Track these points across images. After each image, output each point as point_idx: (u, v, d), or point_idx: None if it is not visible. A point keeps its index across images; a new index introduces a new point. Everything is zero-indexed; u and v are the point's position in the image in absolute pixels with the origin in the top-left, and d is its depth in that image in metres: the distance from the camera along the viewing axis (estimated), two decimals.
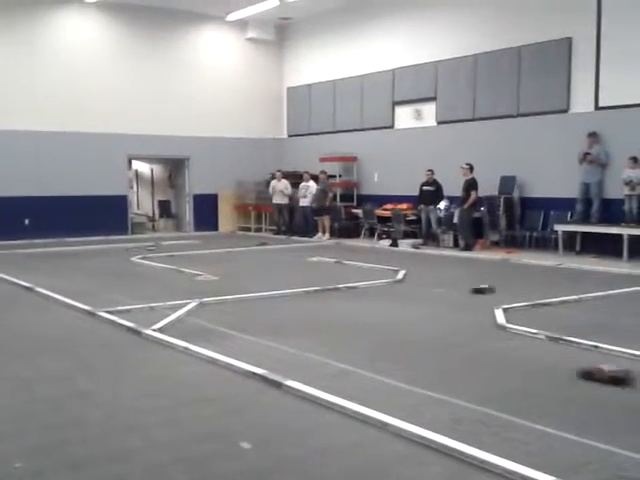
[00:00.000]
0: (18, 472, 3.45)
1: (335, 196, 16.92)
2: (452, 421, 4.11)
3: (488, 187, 13.58)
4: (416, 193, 14.71)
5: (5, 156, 15.50)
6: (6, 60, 15.58)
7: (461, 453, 3.58)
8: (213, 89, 18.38)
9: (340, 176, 17.32)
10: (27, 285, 9.05)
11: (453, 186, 13.90)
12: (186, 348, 5.75)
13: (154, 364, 5.49)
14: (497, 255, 12.67)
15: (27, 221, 15.83)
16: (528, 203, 13.66)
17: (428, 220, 14.48)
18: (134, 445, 3.79)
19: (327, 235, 16.21)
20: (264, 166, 18.70)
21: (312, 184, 16.62)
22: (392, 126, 16.60)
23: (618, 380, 4.81)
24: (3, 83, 15.52)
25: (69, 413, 4.33)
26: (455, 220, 13.88)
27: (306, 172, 16.91)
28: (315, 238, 16.14)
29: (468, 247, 13.44)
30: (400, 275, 10.01)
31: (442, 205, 14.39)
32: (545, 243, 13.17)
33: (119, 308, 7.38)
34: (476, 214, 13.75)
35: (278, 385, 4.74)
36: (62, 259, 12.60)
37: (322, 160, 17.30)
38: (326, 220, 16.34)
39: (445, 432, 3.81)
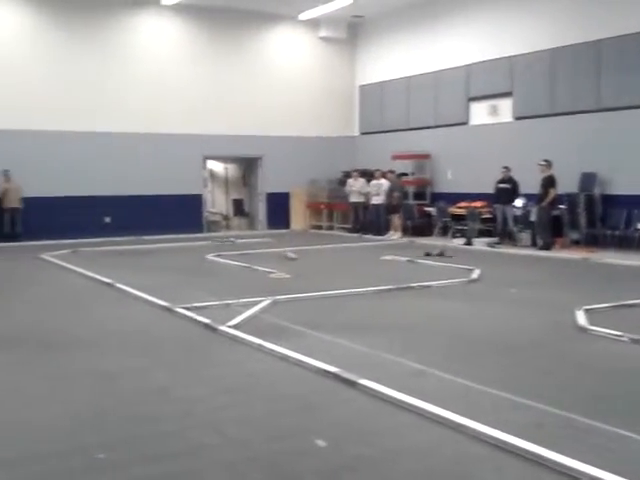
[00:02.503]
0: (100, 463, 3.55)
1: (406, 194, 16.76)
2: (532, 424, 3.98)
3: (567, 184, 13.16)
4: (491, 191, 14.40)
5: (87, 157, 16.05)
6: (85, 63, 16.11)
7: (542, 458, 3.46)
8: (285, 89, 18.51)
9: (413, 174, 17.14)
10: (108, 281, 9.33)
11: (530, 183, 13.53)
12: (260, 345, 5.79)
13: (229, 360, 5.55)
14: (577, 254, 12.26)
15: (108, 219, 16.35)
16: (610, 200, 13.15)
17: (504, 218, 14.15)
18: (209, 441, 3.84)
19: (399, 234, 16.08)
20: (336, 164, 18.71)
21: (384, 182, 16.52)
22: (467, 122, 16.32)
23: None
24: (84, 86, 16.06)
25: (147, 408, 4.43)
26: (533, 218, 13.51)
27: (378, 170, 16.82)
28: (387, 236, 16.03)
29: (547, 246, 13.06)
30: (475, 274, 9.82)
31: (519, 203, 14.03)
32: (628, 242, 12.65)
33: (195, 305, 7.50)
34: (555, 212, 13.35)
35: (352, 384, 4.70)
36: (140, 256, 12.94)
37: (394, 158, 17.17)
38: (397, 218, 16.21)
39: (525, 435, 3.69)
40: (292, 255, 11.74)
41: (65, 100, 15.80)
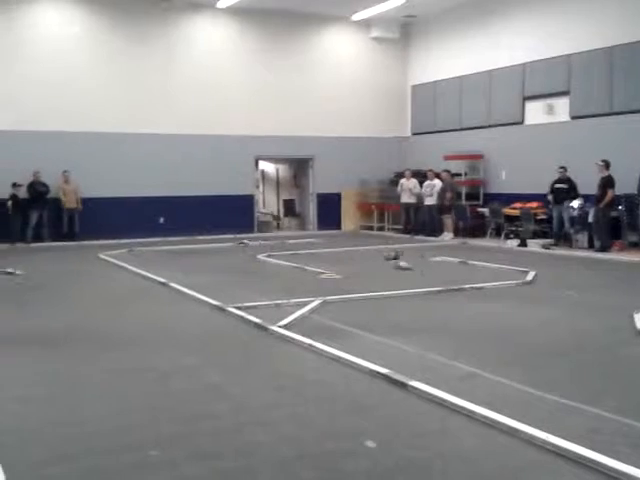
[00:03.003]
0: (153, 460, 3.61)
1: (459, 195, 16.58)
2: (588, 430, 3.89)
3: (626, 185, 12.80)
4: (546, 191, 14.11)
5: (142, 158, 16.38)
6: (142, 66, 16.45)
7: (598, 464, 3.39)
8: (337, 89, 18.53)
9: (466, 174, 16.94)
10: (162, 280, 9.50)
11: (588, 184, 13.22)
12: (311, 345, 5.81)
13: (280, 360, 5.58)
14: (636, 257, 11.92)
15: (162, 219, 16.65)
16: None
17: (560, 219, 13.84)
18: (261, 439, 3.87)
19: (451, 234, 15.91)
20: (387, 165, 18.64)
21: (437, 182, 16.37)
22: (522, 122, 16.04)
23: None
24: (141, 89, 16.41)
25: (200, 406, 4.49)
26: (590, 219, 13.19)
27: (430, 170, 16.68)
28: (440, 237, 15.89)
29: (604, 248, 12.74)
30: (529, 276, 9.64)
31: (576, 204, 13.72)
32: None
33: (246, 304, 7.57)
34: (613, 213, 13.01)
35: (403, 385, 4.68)
36: (193, 256, 13.13)
37: (447, 158, 17.01)
38: (448, 219, 16.05)
39: (580, 441, 3.61)
40: (404, 264, 10.74)
41: (122, 103, 16.16)
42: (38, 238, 15.08)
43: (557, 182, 13.92)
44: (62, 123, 15.49)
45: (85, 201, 15.60)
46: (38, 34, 15.53)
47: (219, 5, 16.87)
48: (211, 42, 17.28)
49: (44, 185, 15.17)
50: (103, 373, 5.23)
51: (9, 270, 10.47)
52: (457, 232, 16.05)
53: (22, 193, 14.99)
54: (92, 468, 3.53)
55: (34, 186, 15.08)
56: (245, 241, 15.37)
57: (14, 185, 14.85)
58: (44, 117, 15.32)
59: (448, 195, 16.06)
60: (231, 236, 16.36)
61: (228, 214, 17.07)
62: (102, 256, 12.62)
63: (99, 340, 6.31)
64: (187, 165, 16.79)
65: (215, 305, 7.70)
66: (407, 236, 16.53)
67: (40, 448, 3.79)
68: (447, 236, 15.90)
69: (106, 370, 5.31)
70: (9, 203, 14.82)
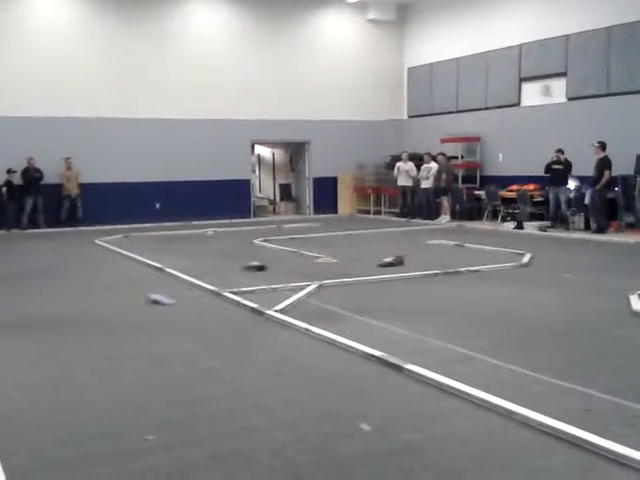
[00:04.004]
0: (149, 444, 3.62)
1: (456, 178, 16.55)
2: (581, 411, 3.91)
3: (623, 166, 12.80)
4: (543, 173, 14.08)
5: (138, 143, 16.31)
6: (136, 51, 16.33)
7: (591, 444, 3.41)
8: (333, 72, 18.43)
9: (462, 157, 16.90)
10: (158, 266, 9.49)
11: (584, 165, 13.20)
12: (307, 329, 5.81)
13: (276, 344, 5.59)
14: (632, 238, 11.93)
15: (158, 205, 16.61)
16: None
17: (557, 201, 13.83)
18: (257, 423, 3.88)
19: (447, 217, 15.90)
20: (384, 148, 18.57)
21: (434, 165, 16.34)
22: (518, 104, 15.99)
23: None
24: (135, 74, 16.28)
25: (196, 390, 4.50)
26: (586, 201, 13.18)
27: (427, 153, 16.64)
28: (437, 221, 15.88)
29: (601, 230, 12.75)
30: (525, 259, 9.65)
31: (572, 185, 13.71)
32: None
33: (242, 289, 7.57)
34: (609, 195, 13.01)
35: (398, 368, 4.69)
36: (190, 241, 13.11)
37: (443, 141, 16.96)
38: (445, 201, 16.03)
39: (574, 422, 3.63)
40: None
41: (117, 87, 16.07)
42: (33, 224, 15.04)
43: (553, 164, 13.89)
44: (56, 109, 15.40)
45: (84, 187, 15.56)
46: (32, 20, 15.40)
47: None
48: (206, 26, 17.15)
49: (38, 171, 15.10)
50: (99, 358, 5.23)
51: None
52: (454, 215, 16.04)
53: (16, 179, 14.94)
54: (91, 453, 3.54)
55: (28, 172, 15.01)
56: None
57: (8, 171, 14.79)
58: (38, 103, 15.23)
59: (444, 177, 16.02)
60: (227, 221, 16.33)
61: (224, 199, 17.03)
62: (98, 242, 12.60)
63: (94, 326, 6.31)
64: (183, 150, 16.71)
65: (211, 290, 7.69)
66: (404, 219, 16.52)
67: (39, 434, 3.80)
68: (444, 219, 15.89)
69: (102, 355, 5.31)
70: (3, 189, 14.77)
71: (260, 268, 9.07)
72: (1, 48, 15.11)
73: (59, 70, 15.54)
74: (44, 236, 14.13)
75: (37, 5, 15.49)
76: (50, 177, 15.21)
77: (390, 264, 9.21)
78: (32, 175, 15.03)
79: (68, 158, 15.34)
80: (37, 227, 15.01)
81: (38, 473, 3.34)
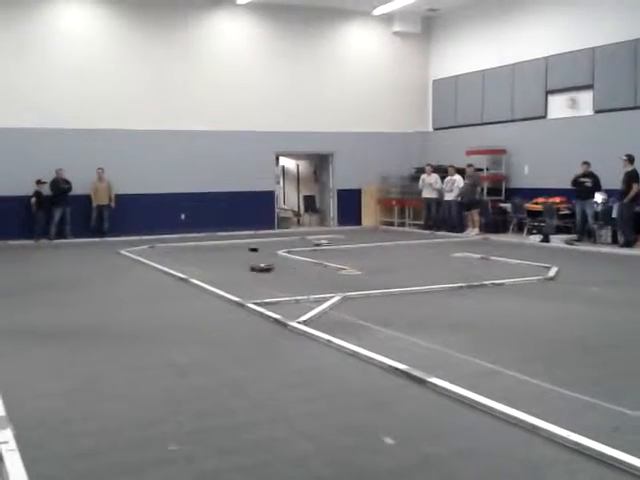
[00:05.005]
0: (172, 454, 3.62)
1: (481, 190, 16.45)
2: (609, 428, 3.84)
3: None
4: (569, 186, 13.94)
5: (165, 155, 16.45)
6: (164, 63, 16.51)
7: (620, 462, 3.35)
8: (358, 85, 18.47)
9: (487, 169, 16.81)
10: (183, 276, 9.54)
11: (612, 178, 13.04)
12: (330, 341, 5.80)
13: (299, 356, 5.58)
14: None
15: (183, 216, 16.72)
16: None
17: (584, 214, 13.68)
18: (279, 435, 3.87)
19: (476, 230, 15.78)
20: (408, 160, 18.55)
21: (458, 178, 16.26)
22: (545, 116, 15.87)
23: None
24: (163, 86, 16.47)
25: (219, 401, 4.50)
26: (614, 215, 13.02)
27: (451, 166, 16.58)
28: (465, 233, 15.78)
29: (628, 243, 12.57)
30: (552, 272, 9.54)
31: (599, 198, 13.55)
32: None
33: (266, 300, 7.58)
34: (637, 208, 12.82)
35: (422, 382, 4.65)
36: (214, 252, 13.17)
37: (468, 153, 16.88)
38: (475, 214, 15.93)
39: (602, 439, 3.56)
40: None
41: (143, 100, 16.25)
42: (61, 235, 15.23)
43: (580, 177, 13.75)
44: (85, 121, 15.61)
45: (113, 198, 15.75)
46: (61, 33, 15.66)
47: (239, 1, 16.90)
48: (232, 38, 17.30)
49: (66, 182, 15.30)
50: (123, 368, 5.27)
51: None
52: (479, 228, 15.92)
53: (45, 190, 15.15)
54: (115, 463, 3.55)
55: (57, 183, 15.23)
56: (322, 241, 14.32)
57: (38, 182, 15.02)
58: (68, 115, 15.46)
59: (478, 189, 15.92)
60: (251, 232, 16.39)
61: (249, 210, 17.11)
62: (124, 252, 12.71)
63: (119, 335, 6.36)
64: (208, 161, 16.83)
65: (235, 301, 7.71)
66: (428, 232, 16.45)
67: (64, 442, 3.82)
68: (472, 232, 15.76)
69: (126, 365, 5.34)
70: (33, 200, 14.99)
71: (254, 250, 9.57)
72: (31, 61, 15.37)
73: (87, 83, 15.76)
74: (71, 246, 14.31)
75: (67, 19, 15.75)
76: (78, 188, 15.40)
77: (263, 269, 9.96)
78: (61, 186, 15.23)
79: (99, 169, 15.54)
80: (64, 237, 15.19)
81: None
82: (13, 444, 3.64)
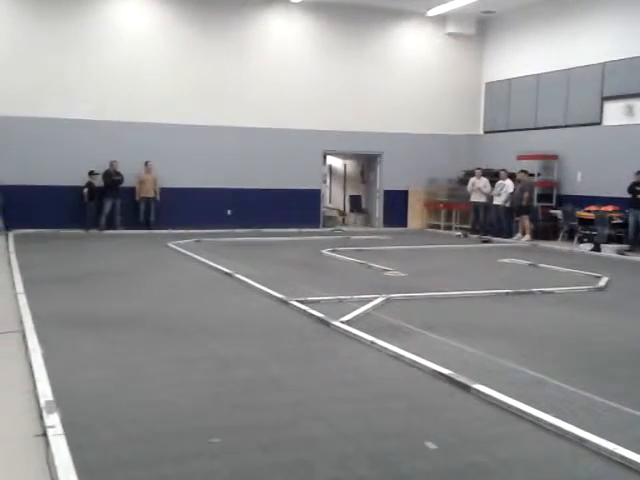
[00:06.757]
0: (214, 447, 3.65)
1: (531, 196, 16.14)
2: None
3: None
4: (623, 195, 13.59)
5: (213, 150, 16.61)
6: (216, 59, 16.65)
7: None
8: (409, 85, 18.35)
9: (539, 175, 16.51)
10: (228, 271, 9.62)
11: None
12: (372, 342, 5.77)
13: (341, 355, 5.57)
14: None
15: (229, 211, 16.86)
16: None
17: (637, 224, 13.33)
18: (320, 433, 3.86)
19: (527, 236, 15.50)
20: (457, 163, 18.34)
21: (508, 182, 16.01)
22: (600, 123, 15.51)
23: None
24: (213, 81, 16.62)
25: (261, 396, 4.52)
26: None
27: (503, 170, 16.32)
28: (514, 239, 15.53)
29: None
30: (602, 282, 9.32)
31: None
32: None
33: (309, 298, 7.59)
34: None
35: (466, 388, 4.59)
36: (259, 248, 13.25)
37: (520, 158, 16.60)
38: (526, 220, 15.65)
39: None
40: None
41: (195, 95, 16.39)
42: (111, 225, 15.52)
43: (635, 185, 13.41)
44: (138, 114, 15.85)
45: (160, 191, 15.98)
46: (115, 28, 15.91)
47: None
48: (284, 36, 17.36)
49: (118, 174, 15.57)
50: (169, 359, 5.33)
51: None
52: (530, 234, 15.64)
53: (97, 181, 15.45)
54: (157, 451, 3.60)
55: (109, 175, 15.51)
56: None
57: (90, 173, 15.32)
58: (121, 108, 15.72)
59: (526, 195, 15.66)
60: (296, 230, 16.44)
61: (294, 208, 17.15)
62: (171, 245, 12.88)
63: (164, 327, 6.44)
64: (256, 158, 16.92)
65: (279, 298, 7.74)
66: (475, 236, 16.24)
67: (108, 430, 3.88)
68: (523, 238, 15.48)
69: (172, 357, 5.41)
70: (85, 191, 15.30)
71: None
72: (86, 55, 15.65)
73: (141, 77, 16.00)
74: (120, 237, 14.56)
75: (119, 13, 16.01)
76: (128, 181, 15.68)
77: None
78: (113, 178, 15.51)
79: (148, 162, 15.79)
80: (114, 228, 15.47)
81: (106, 469, 3.41)
82: (60, 429, 3.72)
